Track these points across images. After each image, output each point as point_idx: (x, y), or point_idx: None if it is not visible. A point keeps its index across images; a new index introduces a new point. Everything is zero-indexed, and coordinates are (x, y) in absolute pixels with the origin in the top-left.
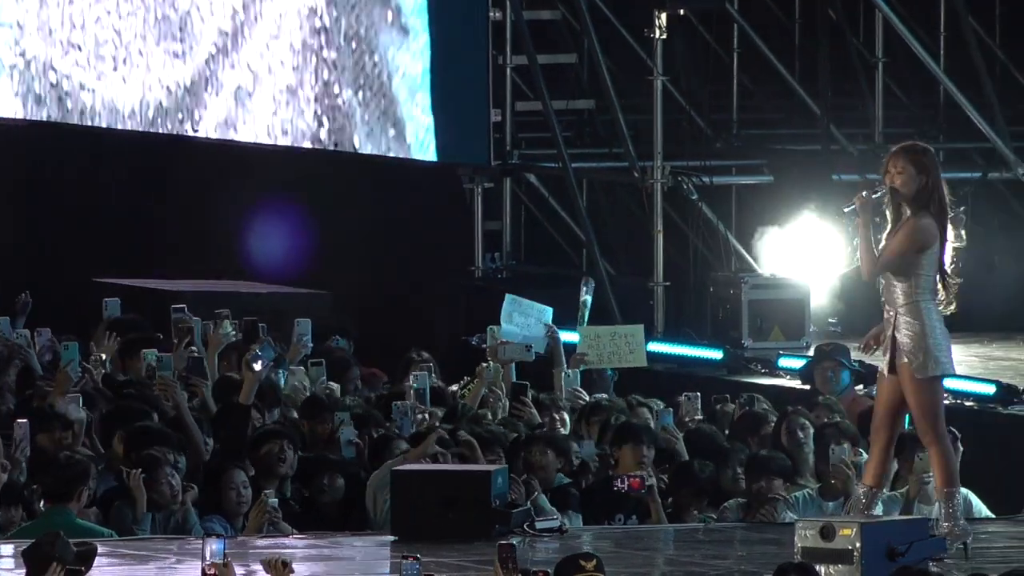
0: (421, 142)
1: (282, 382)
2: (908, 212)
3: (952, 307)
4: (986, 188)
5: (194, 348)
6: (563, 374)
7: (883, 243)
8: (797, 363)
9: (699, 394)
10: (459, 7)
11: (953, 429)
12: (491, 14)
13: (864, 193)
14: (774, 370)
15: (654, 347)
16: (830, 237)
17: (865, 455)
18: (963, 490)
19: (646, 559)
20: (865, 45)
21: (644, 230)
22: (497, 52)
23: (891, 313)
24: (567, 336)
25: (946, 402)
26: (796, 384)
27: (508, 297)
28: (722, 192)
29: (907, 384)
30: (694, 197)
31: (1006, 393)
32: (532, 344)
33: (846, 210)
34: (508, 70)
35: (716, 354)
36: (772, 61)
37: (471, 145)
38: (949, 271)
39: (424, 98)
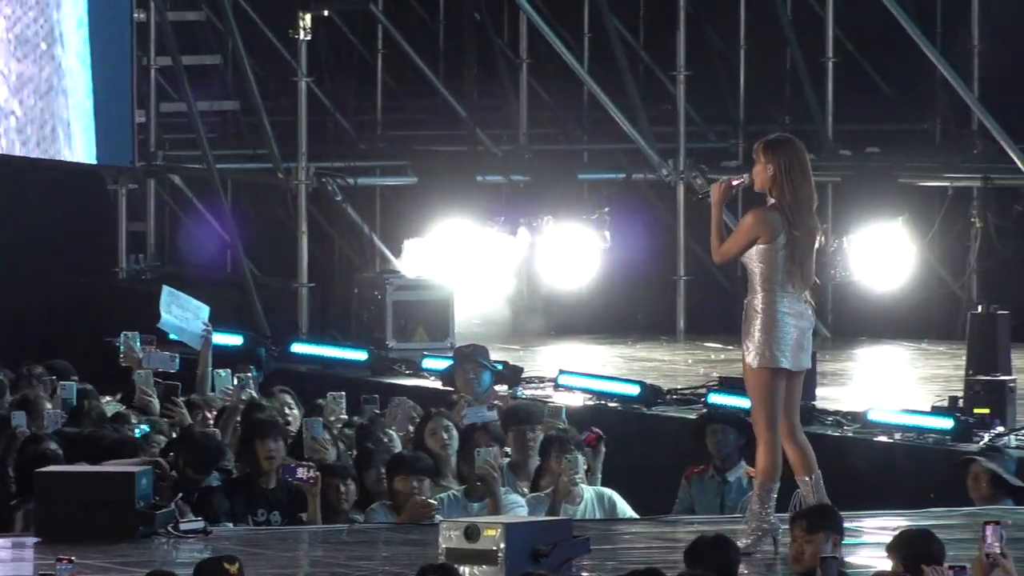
0: (64, 143)
1: None
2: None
3: (809, 301)
4: (629, 189)
5: None
6: (217, 373)
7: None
8: (441, 364)
9: (344, 394)
10: (102, 8)
11: (598, 429)
12: (135, 15)
13: (723, 178)
14: (418, 371)
15: (298, 348)
16: (476, 239)
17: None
18: (606, 491)
19: (291, 560)
20: (510, 46)
21: (289, 231)
22: (141, 53)
23: (746, 301)
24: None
25: (589, 403)
26: (439, 385)
27: (165, 289)
28: (367, 193)
29: (743, 370)
30: (339, 198)
31: (650, 394)
32: (187, 340)
33: (700, 194)
34: (152, 71)
35: (361, 355)
36: (416, 62)
37: (115, 146)
38: (803, 264)
39: (64, 98)
